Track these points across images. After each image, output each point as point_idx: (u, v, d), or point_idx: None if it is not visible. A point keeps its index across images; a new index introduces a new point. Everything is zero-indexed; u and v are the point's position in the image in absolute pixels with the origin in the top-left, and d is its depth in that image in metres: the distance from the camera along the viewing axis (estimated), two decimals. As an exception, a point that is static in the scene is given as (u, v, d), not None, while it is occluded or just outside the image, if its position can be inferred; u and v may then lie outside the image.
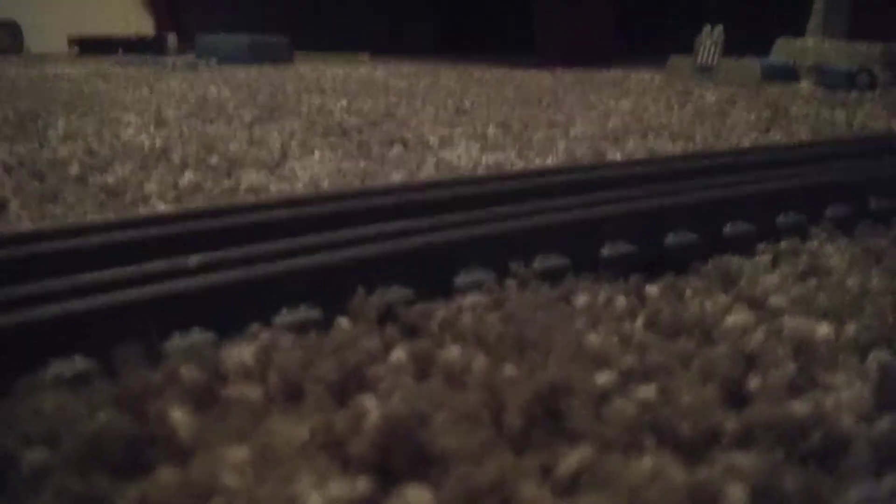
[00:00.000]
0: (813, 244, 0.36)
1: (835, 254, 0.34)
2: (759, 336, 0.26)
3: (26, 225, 0.41)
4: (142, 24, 2.96)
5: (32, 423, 0.20)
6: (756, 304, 0.29)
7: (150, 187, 0.50)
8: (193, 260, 0.27)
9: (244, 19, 2.56)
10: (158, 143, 0.69)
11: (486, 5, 2.96)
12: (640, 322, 0.28)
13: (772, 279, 0.31)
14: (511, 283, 0.30)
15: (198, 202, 0.47)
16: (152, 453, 0.20)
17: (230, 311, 0.25)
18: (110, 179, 0.53)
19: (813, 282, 0.31)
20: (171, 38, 2.51)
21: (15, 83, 1.32)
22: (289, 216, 0.32)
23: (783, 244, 0.36)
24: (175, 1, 3.03)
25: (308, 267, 0.27)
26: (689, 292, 0.31)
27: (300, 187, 0.51)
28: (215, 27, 2.25)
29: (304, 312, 0.26)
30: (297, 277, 0.27)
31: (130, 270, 0.26)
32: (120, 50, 2.29)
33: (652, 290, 0.31)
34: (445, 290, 0.29)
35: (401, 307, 0.27)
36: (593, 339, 0.25)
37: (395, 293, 0.28)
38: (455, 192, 0.37)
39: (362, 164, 0.61)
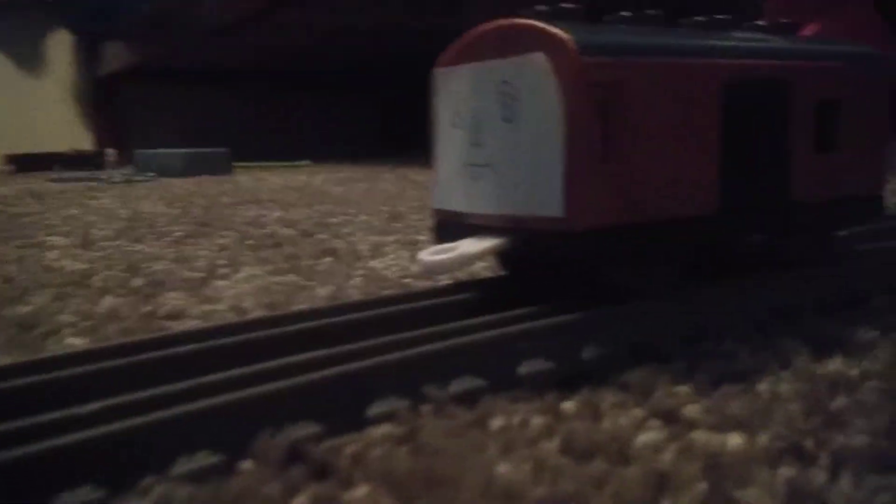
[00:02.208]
0: (728, 347, 0.36)
1: (748, 357, 0.35)
2: (670, 454, 0.26)
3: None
4: (82, 140, 2.97)
5: None
6: (670, 417, 0.29)
7: (65, 318, 0.49)
8: (86, 409, 0.26)
9: (186, 133, 2.59)
10: (82, 266, 0.67)
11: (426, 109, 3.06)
12: (555, 444, 0.27)
13: (685, 389, 0.31)
14: (426, 409, 0.29)
15: (112, 331, 0.45)
16: None
17: (124, 464, 0.24)
18: (24, 310, 0.51)
19: (726, 389, 0.31)
20: (111, 153, 2.51)
21: (-60, 206, 1.29)
22: (195, 350, 0.31)
23: (700, 347, 0.36)
24: (116, 118, 3.06)
25: (209, 409, 0.26)
26: (604, 406, 0.30)
27: (222, 308, 0.50)
28: (157, 142, 2.26)
29: (204, 459, 0.25)
30: (197, 421, 0.26)
31: (14, 424, 0.25)
32: (56, 166, 2.27)
33: (568, 406, 0.30)
34: (358, 421, 0.28)
35: (308, 445, 0.26)
36: (505, 468, 0.25)
37: (303, 430, 0.27)
38: (373, 313, 0.36)
39: (290, 278, 0.60)
